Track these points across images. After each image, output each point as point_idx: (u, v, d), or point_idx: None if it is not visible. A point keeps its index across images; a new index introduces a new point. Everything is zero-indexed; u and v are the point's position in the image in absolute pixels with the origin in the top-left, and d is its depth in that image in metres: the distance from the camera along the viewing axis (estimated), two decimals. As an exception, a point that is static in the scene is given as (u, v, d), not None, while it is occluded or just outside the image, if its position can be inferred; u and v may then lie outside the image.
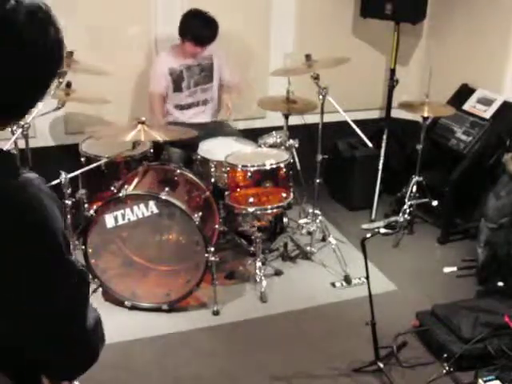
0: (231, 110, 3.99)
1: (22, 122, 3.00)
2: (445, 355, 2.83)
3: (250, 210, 3.28)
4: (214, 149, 3.57)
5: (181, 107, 3.96)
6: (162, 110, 3.91)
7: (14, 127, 2.99)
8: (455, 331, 2.90)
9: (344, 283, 3.56)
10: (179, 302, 3.23)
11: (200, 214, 3.10)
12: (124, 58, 3.99)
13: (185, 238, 3.16)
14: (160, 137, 3.08)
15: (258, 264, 3.44)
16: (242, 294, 3.44)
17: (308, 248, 3.82)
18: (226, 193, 3.34)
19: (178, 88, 3.91)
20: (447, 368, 2.77)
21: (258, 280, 3.42)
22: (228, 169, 3.31)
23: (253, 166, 3.26)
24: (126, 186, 3.14)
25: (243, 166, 3.28)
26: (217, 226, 3.42)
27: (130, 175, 3.31)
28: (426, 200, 4.06)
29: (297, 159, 3.68)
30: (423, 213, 4.24)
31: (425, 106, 3.85)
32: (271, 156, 3.36)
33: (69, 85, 3.25)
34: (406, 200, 4.06)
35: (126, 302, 3.23)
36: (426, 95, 3.85)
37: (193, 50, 3.78)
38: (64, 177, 3.12)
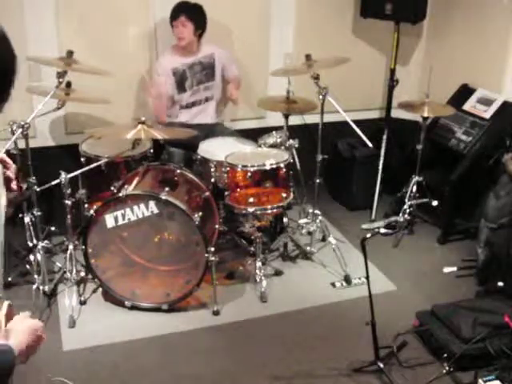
0: (237, 95, 4.01)
1: (22, 122, 3.00)
2: (445, 355, 2.83)
3: (250, 209, 3.28)
4: (214, 149, 3.57)
5: (185, 106, 3.97)
6: (165, 110, 3.92)
7: (14, 127, 2.99)
8: (455, 331, 2.90)
9: (344, 283, 3.56)
10: (179, 302, 3.23)
11: (200, 213, 3.10)
12: (124, 57, 3.99)
13: (185, 238, 3.16)
14: (160, 135, 3.07)
15: (258, 264, 3.44)
16: (241, 294, 3.44)
17: (308, 248, 3.82)
18: (226, 193, 3.34)
19: (181, 88, 3.92)
20: (447, 368, 2.77)
21: (258, 280, 3.42)
22: (228, 169, 3.31)
23: (253, 166, 3.26)
24: (126, 186, 3.14)
25: (243, 166, 3.28)
26: (217, 226, 3.41)
27: (129, 175, 3.31)
28: (426, 200, 4.06)
29: (297, 159, 3.68)
30: (423, 213, 4.24)
31: (425, 106, 3.85)
32: (271, 156, 3.36)
33: (69, 85, 3.25)
34: (406, 200, 4.06)
35: (126, 302, 3.23)
36: (426, 95, 3.85)
37: (176, 33, 3.81)
38: (64, 177, 3.13)
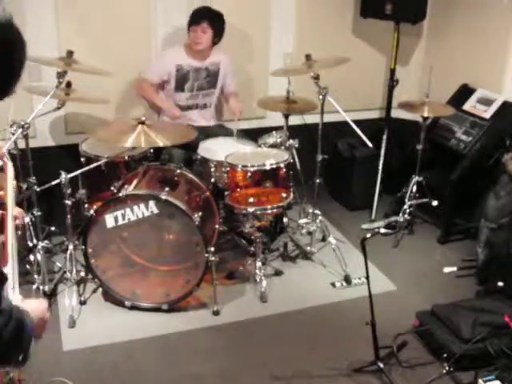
0: (239, 113, 3.96)
1: (22, 122, 3.00)
2: (445, 355, 2.83)
3: (250, 209, 3.28)
4: (214, 149, 3.57)
5: (179, 107, 3.96)
6: (151, 91, 3.93)
7: (14, 127, 2.99)
8: (455, 331, 2.90)
9: (344, 283, 3.56)
10: (179, 302, 3.23)
11: (200, 213, 3.10)
12: (124, 57, 3.99)
13: (185, 238, 3.16)
14: (160, 140, 3.05)
15: (258, 264, 3.44)
16: (242, 294, 3.44)
17: (308, 248, 3.82)
18: (226, 193, 3.34)
19: (180, 87, 3.91)
20: (447, 368, 2.77)
21: (258, 280, 3.42)
22: (228, 169, 3.31)
23: (253, 166, 3.26)
24: (126, 186, 3.14)
25: (243, 166, 3.28)
26: (217, 226, 3.42)
27: (129, 175, 3.31)
28: (426, 200, 4.06)
29: (297, 159, 3.69)
30: (423, 213, 4.25)
31: (425, 106, 3.85)
32: (271, 156, 3.36)
33: (69, 85, 3.25)
34: (406, 200, 4.06)
35: (126, 302, 3.23)
36: (426, 95, 3.86)
37: (193, 37, 3.79)
38: (64, 177, 3.13)
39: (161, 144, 3.07)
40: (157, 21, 4.06)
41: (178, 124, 3.78)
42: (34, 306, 1.43)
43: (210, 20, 3.76)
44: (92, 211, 3.10)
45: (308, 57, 3.56)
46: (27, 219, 3.33)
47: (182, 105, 3.97)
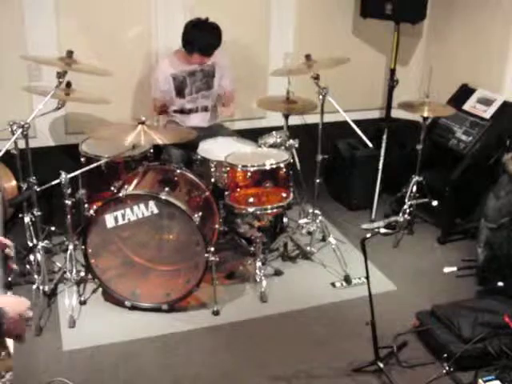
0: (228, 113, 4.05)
1: (22, 122, 3.00)
2: (445, 355, 2.83)
3: (250, 210, 3.28)
4: (214, 149, 3.57)
5: (181, 112, 3.96)
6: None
7: (14, 127, 2.99)
8: (455, 331, 2.90)
9: (344, 283, 3.56)
10: (179, 301, 3.23)
11: (200, 213, 3.10)
12: (124, 57, 4.00)
13: (185, 238, 3.16)
14: (160, 139, 3.06)
15: (258, 264, 3.44)
16: (242, 294, 3.44)
17: (308, 248, 3.82)
18: (226, 193, 3.34)
19: (180, 94, 3.91)
20: (447, 368, 2.77)
21: (258, 280, 3.42)
22: (228, 169, 3.32)
23: (253, 166, 3.26)
24: (125, 186, 3.14)
25: (243, 166, 3.28)
26: (217, 226, 3.42)
27: (129, 175, 3.31)
28: (426, 200, 4.06)
29: (297, 159, 3.68)
30: (423, 213, 4.24)
31: (425, 106, 3.85)
32: (271, 156, 3.36)
33: (69, 85, 3.25)
34: (406, 200, 4.06)
35: (126, 302, 3.23)
36: (426, 95, 3.86)
37: (200, 61, 3.83)
38: (64, 177, 3.13)
39: (159, 141, 3.08)
40: (157, 20, 4.07)
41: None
42: (13, 303, 1.40)
43: (218, 47, 3.78)
44: (92, 211, 3.10)
45: (308, 57, 3.56)
46: (27, 219, 3.34)
47: (183, 109, 3.96)
